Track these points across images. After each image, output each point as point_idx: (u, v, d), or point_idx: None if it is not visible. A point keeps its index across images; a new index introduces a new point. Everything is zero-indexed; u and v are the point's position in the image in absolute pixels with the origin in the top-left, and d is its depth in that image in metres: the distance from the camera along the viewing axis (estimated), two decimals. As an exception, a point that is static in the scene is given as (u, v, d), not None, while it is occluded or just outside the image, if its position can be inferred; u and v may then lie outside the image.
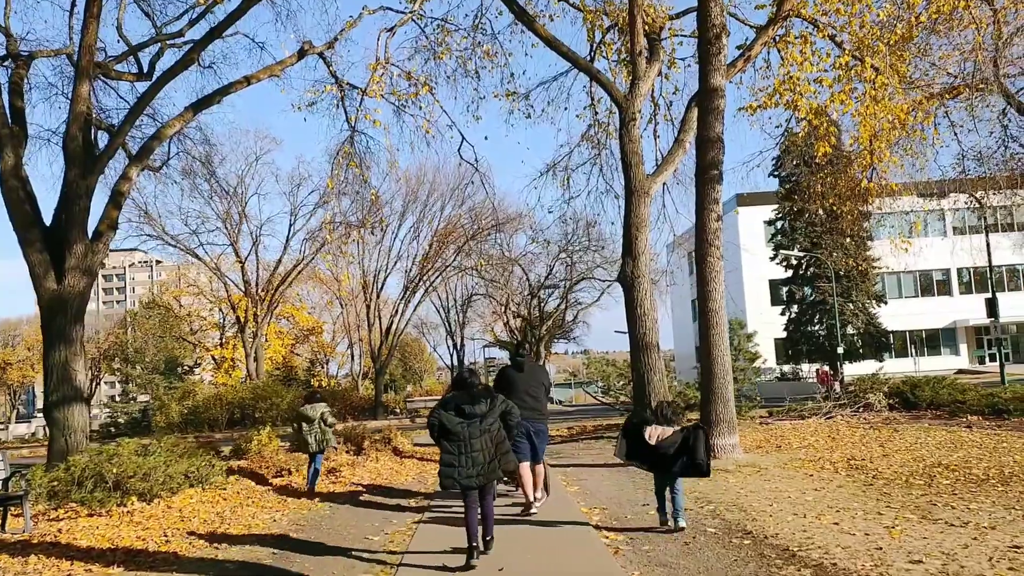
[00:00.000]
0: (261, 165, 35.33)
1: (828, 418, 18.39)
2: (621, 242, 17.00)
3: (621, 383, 18.79)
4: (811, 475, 10.19)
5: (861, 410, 18.93)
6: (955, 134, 22.30)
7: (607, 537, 7.22)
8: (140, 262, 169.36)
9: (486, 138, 21.62)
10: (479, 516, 6.40)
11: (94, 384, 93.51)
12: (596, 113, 22.67)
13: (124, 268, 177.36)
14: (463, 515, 6.36)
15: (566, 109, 23.85)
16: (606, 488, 10.30)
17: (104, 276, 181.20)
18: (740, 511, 8.09)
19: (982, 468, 10.02)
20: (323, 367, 71.64)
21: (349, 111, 19.54)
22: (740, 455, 11.79)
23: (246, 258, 35.61)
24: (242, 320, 38.07)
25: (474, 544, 6.18)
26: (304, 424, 11.15)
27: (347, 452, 14.64)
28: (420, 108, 19.52)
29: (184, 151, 23.02)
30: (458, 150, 19.49)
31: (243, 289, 36.76)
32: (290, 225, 35.62)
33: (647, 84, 17.58)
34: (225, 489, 10.51)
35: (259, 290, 36.69)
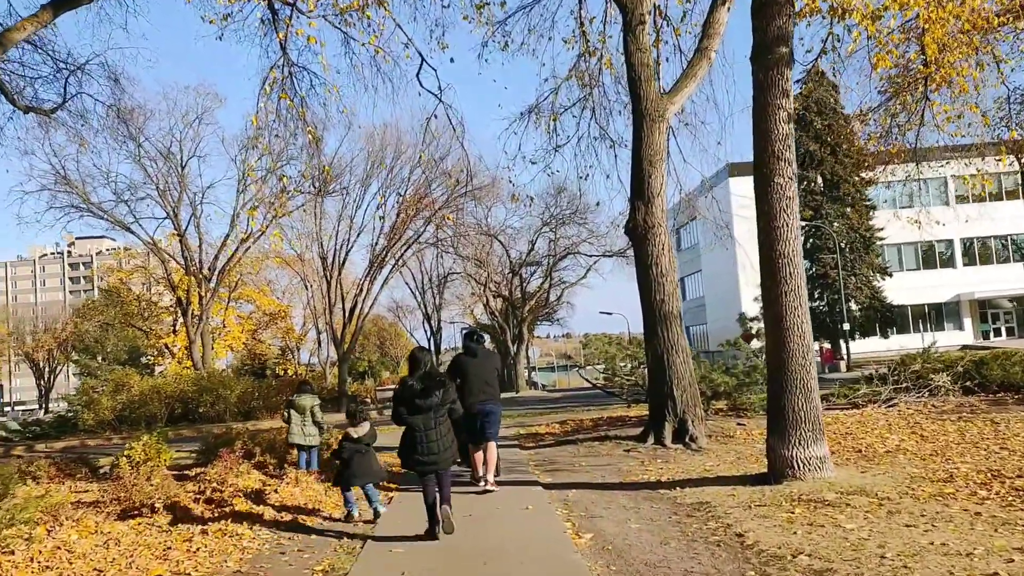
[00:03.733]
0: (204, 125, 30.66)
1: (889, 406, 14.57)
2: (608, 205, 13.28)
3: (629, 366, 14.85)
4: (976, 513, 6.25)
5: (927, 395, 15.13)
6: (1000, 71, 18.53)
7: None
8: (108, 250, 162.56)
9: (452, 60, 17.05)
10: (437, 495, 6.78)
11: (50, 376, 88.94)
12: (587, 40, 18.57)
13: (92, 256, 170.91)
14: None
15: (550, 39, 19.46)
16: (640, 538, 6.33)
17: (71, 264, 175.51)
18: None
19: None
20: (294, 355, 67.31)
21: (282, 33, 15.41)
22: (831, 473, 7.85)
23: (184, 230, 31.20)
24: (184, 302, 33.66)
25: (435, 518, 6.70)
26: (294, 413, 10.55)
27: (264, 470, 10.58)
28: (369, 23, 15.42)
29: (85, 92, 18.65)
30: (416, 75, 15.31)
31: (185, 267, 32.35)
32: (238, 194, 31.32)
33: (659, -23, 13.56)
34: (14, 554, 6.42)
35: (203, 268, 32.29)
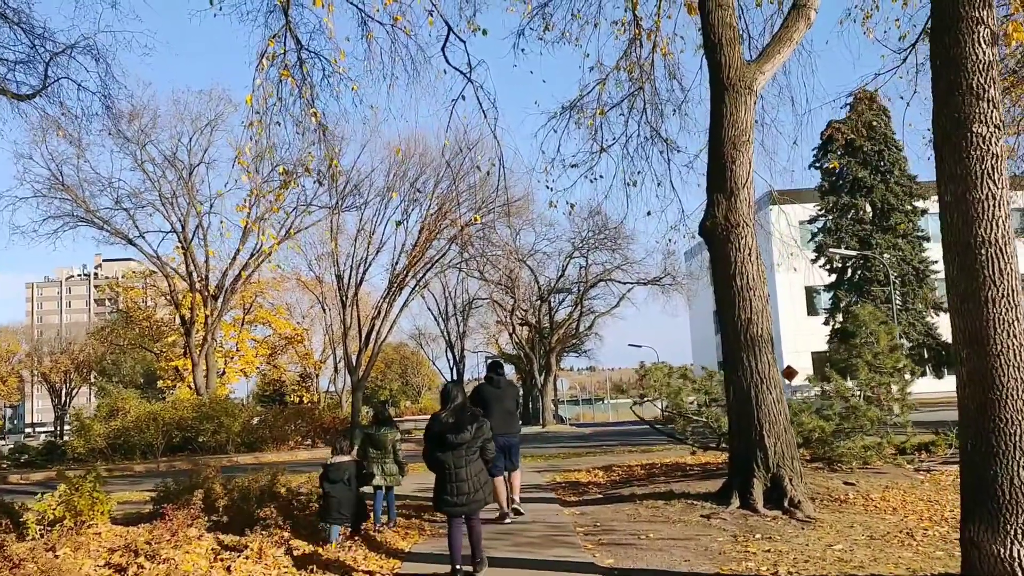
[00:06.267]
0: (215, 132, 28.34)
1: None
2: (659, 218, 10.64)
3: (696, 401, 12.04)
4: None
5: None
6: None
7: None
8: (134, 272, 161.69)
9: (485, 33, 14.26)
10: (463, 537, 6.46)
11: (67, 398, 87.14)
12: (639, 24, 16.09)
13: (118, 278, 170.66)
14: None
15: (596, 26, 16.88)
16: None
17: (97, 287, 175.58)
18: None
19: None
20: (313, 381, 64.89)
21: (293, 20, 13.03)
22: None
23: (190, 242, 28.80)
24: (187, 321, 31.23)
25: (457, 567, 6.26)
26: (371, 450, 9.13)
27: (220, 534, 7.92)
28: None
29: (67, 76, 16.40)
30: (442, 49, 12.75)
31: (189, 283, 29.93)
32: (251, 207, 28.89)
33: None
34: None
35: (209, 285, 29.83)
